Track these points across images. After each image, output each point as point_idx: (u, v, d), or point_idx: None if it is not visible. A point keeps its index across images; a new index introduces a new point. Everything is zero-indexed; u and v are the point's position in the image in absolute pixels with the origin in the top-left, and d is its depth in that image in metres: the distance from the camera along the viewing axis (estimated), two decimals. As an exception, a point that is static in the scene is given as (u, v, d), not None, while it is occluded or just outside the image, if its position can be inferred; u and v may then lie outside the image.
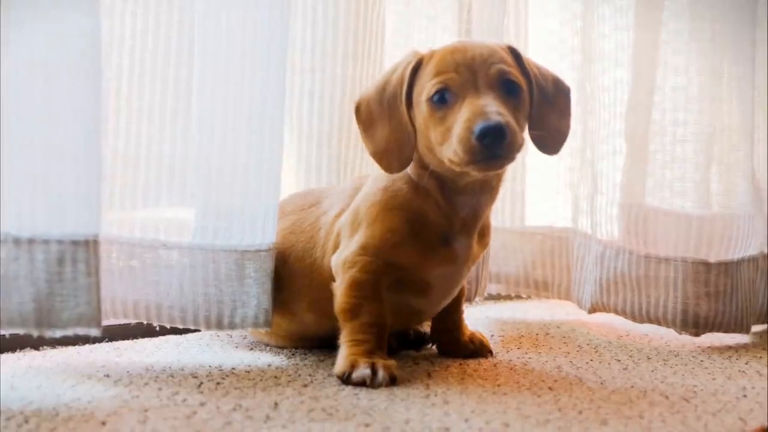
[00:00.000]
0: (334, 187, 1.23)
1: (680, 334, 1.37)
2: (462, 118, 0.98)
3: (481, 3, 1.43)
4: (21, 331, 0.95)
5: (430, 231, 1.07)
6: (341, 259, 1.08)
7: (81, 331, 0.96)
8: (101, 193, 0.99)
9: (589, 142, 1.47)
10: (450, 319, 1.20)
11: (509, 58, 1.05)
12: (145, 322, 1.12)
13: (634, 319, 1.39)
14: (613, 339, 1.37)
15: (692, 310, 1.35)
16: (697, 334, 1.36)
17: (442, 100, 1.01)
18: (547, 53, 1.58)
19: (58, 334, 0.95)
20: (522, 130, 1.03)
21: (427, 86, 1.02)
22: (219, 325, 1.11)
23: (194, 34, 1.11)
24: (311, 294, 1.13)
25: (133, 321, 1.13)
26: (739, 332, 1.37)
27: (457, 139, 0.97)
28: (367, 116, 1.08)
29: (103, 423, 0.84)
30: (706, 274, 1.35)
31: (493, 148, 0.96)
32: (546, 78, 1.10)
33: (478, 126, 0.95)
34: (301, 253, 1.15)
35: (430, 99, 1.02)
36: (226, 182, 1.11)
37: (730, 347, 1.33)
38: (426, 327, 1.26)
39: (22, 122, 0.94)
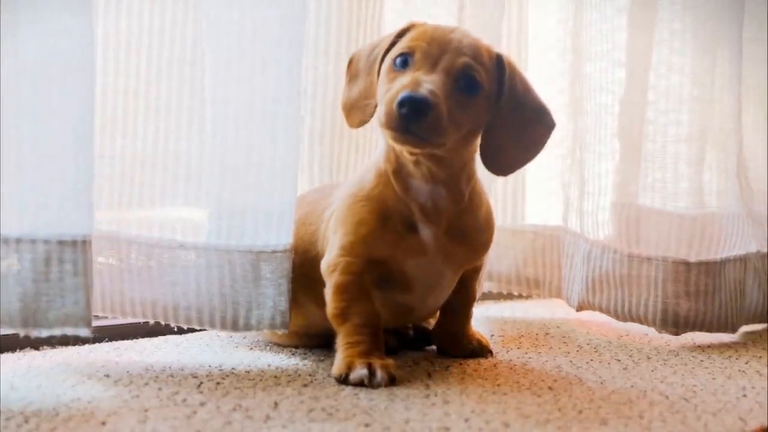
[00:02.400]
0: (344, 182, 1.23)
1: (660, 333, 1.37)
2: (397, 84, 0.99)
3: (479, 2, 1.43)
4: (7, 331, 0.95)
5: (395, 218, 1.07)
6: (326, 264, 1.08)
7: (69, 331, 0.96)
8: (93, 193, 0.99)
9: (578, 142, 1.47)
10: (455, 320, 1.20)
11: (487, 61, 1.04)
12: (162, 323, 1.12)
13: (617, 317, 1.40)
14: (613, 339, 1.37)
15: (672, 309, 1.35)
16: (677, 333, 1.36)
17: (404, 63, 1.02)
18: (545, 51, 1.58)
19: (45, 333, 0.95)
20: (459, 127, 1.01)
21: (396, 47, 1.04)
22: (235, 327, 1.11)
23: (209, 32, 1.11)
24: (315, 287, 1.12)
25: (152, 321, 1.13)
26: (724, 332, 1.37)
27: (385, 100, 0.98)
28: (354, 69, 1.11)
29: (103, 423, 0.84)
30: (686, 274, 1.35)
31: (408, 120, 0.96)
32: (530, 102, 1.08)
33: (402, 94, 0.96)
34: (307, 245, 1.15)
35: (393, 59, 1.03)
36: (241, 181, 1.11)
37: (730, 347, 1.33)
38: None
39: (11, 122, 0.93)
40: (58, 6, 0.94)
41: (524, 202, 1.59)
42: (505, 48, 1.49)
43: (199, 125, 1.13)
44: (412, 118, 0.96)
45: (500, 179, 1.55)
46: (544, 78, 1.56)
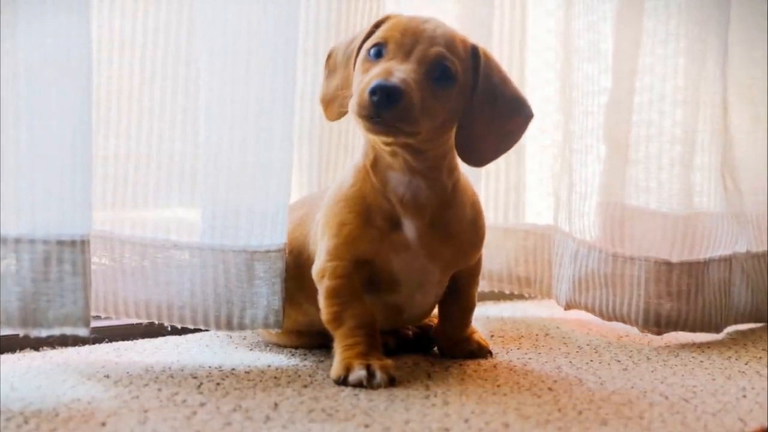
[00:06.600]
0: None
1: (642, 332, 1.38)
2: (371, 73, 0.99)
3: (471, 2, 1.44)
4: (7, 331, 0.96)
5: (376, 214, 1.07)
6: (316, 270, 1.09)
7: (68, 330, 0.96)
8: (91, 193, 0.99)
9: (569, 143, 1.47)
10: (454, 326, 1.19)
11: (461, 51, 1.04)
12: (156, 322, 1.13)
13: (602, 316, 1.40)
14: (613, 339, 1.37)
15: (654, 309, 1.35)
16: (659, 333, 1.36)
17: (378, 54, 1.02)
18: (543, 52, 1.57)
19: (44, 333, 0.95)
20: (433, 117, 1.01)
21: (371, 38, 1.04)
22: (229, 326, 1.12)
23: (203, 32, 1.11)
24: (310, 287, 1.12)
25: (145, 321, 1.14)
26: (708, 332, 1.38)
27: (358, 90, 0.99)
28: (332, 63, 1.12)
29: (103, 423, 0.84)
30: (668, 274, 1.35)
31: (380, 107, 0.96)
32: (507, 93, 1.08)
33: (374, 82, 0.96)
34: (300, 247, 1.16)
35: (368, 50, 1.04)
36: (235, 181, 1.11)
37: (730, 348, 1.33)
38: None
39: (10, 122, 0.93)
40: (57, 6, 0.94)
41: (518, 201, 1.59)
42: (499, 47, 1.50)
43: (194, 125, 1.13)
44: (383, 106, 0.95)
45: (493, 177, 1.55)
46: (542, 78, 1.56)
